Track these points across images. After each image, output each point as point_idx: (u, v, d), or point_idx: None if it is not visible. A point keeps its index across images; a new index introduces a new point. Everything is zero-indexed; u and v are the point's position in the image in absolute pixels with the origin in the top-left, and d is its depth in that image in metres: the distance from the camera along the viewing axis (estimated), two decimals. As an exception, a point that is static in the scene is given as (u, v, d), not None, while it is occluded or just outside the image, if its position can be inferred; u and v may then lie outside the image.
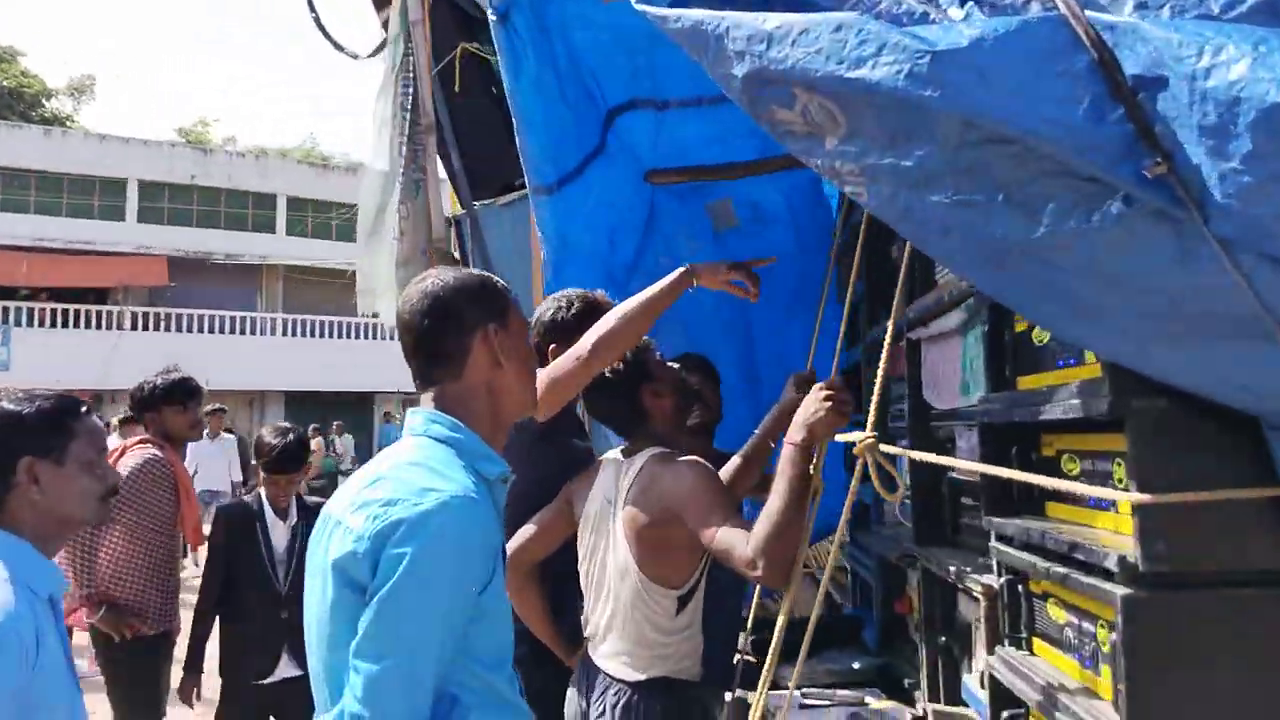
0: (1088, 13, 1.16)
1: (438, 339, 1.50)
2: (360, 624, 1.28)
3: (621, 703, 2.12)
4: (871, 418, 1.73)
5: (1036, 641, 1.74)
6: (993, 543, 1.83)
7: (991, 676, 1.81)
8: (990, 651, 1.84)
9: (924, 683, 2.38)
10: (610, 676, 2.16)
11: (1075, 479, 1.54)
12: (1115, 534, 1.41)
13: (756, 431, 2.63)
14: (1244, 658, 1.26)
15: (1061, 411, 1.39)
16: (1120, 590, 1.27)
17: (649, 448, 2.20)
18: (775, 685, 2.07)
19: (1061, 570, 1.47)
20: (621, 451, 2.29)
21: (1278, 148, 1.01)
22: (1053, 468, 1.70)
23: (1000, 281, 1.32)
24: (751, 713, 1.97)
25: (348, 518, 1.36)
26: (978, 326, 1.93)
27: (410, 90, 3.81)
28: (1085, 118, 1.14)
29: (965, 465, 1.81)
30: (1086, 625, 1.51)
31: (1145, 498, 1.24)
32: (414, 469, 1.39)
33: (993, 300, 1.81)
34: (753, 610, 2.65)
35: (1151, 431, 1.27)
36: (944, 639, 2.32)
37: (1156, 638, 1.25)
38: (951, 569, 2.08)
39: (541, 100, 2.88)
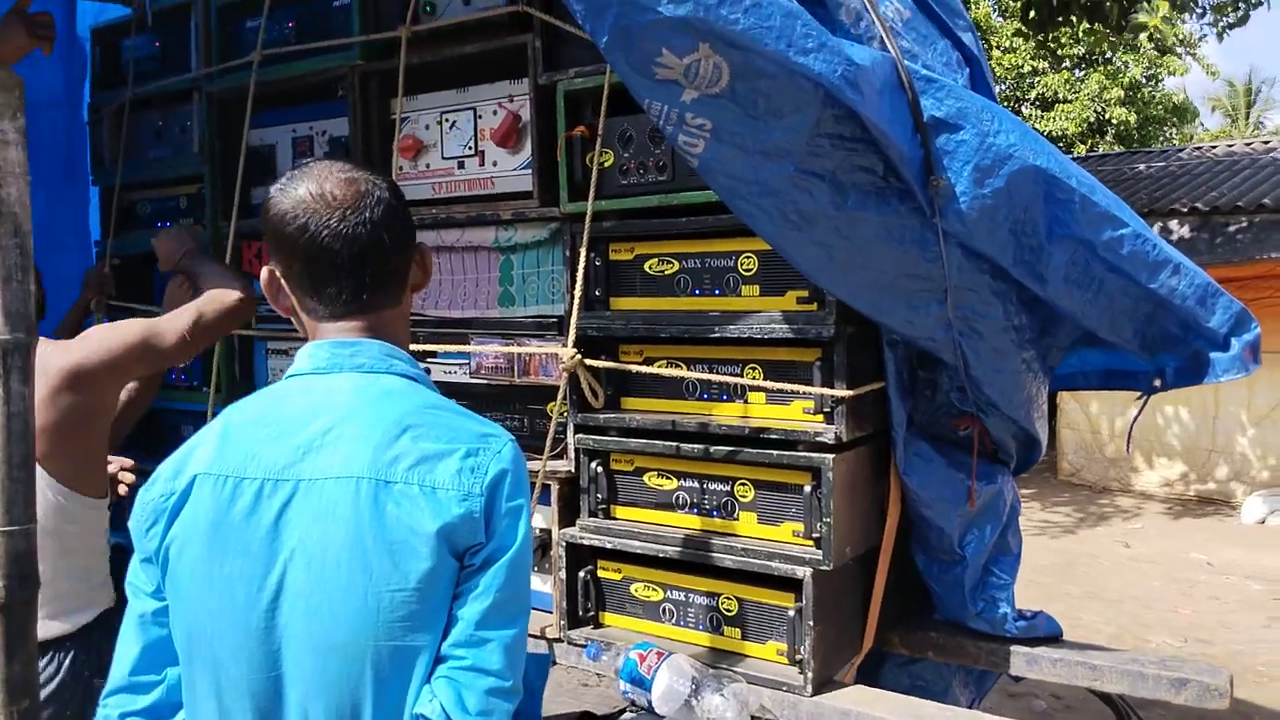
0: (907, 63, 1.67)
1: (394, 256, 1.22)
2: (479, 591, 1.10)
3: None
4: (571, 335, 1.86)
5: (619, 509, 2.17)
6: (576, 435, 2.17)
7: (570, 543, 2.16)
8: (569, 524, 2.19)
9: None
10: None
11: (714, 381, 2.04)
12: (770, 419, 1.97)
13: None
14: (867, 480, 1.99)
15: (780, 332, 1.87)
16: (821, 456, 1.85)
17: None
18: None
19: (725, 449, 1.96)
20: None
21: (1014, 191, 1.71)
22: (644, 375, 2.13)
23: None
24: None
25: (411, 475, 1.08)
26: (555, 248, 2.19)
27: None
28: (909, 138, 1.66)
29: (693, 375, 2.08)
30: (717, 487, 2.03)
31: (849, 393, 1.85)
32: (442, 413, 1.16)
33: (585, 233, 2.11)
34: None
35: (850, 347, 1.87)
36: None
37: (844, 479, 1.88)
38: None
39: None
